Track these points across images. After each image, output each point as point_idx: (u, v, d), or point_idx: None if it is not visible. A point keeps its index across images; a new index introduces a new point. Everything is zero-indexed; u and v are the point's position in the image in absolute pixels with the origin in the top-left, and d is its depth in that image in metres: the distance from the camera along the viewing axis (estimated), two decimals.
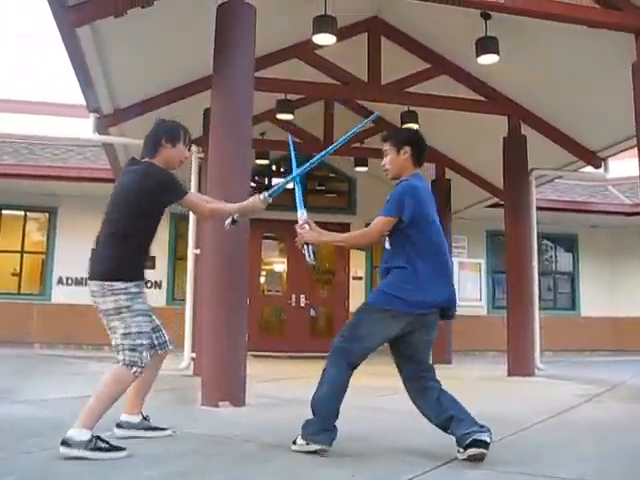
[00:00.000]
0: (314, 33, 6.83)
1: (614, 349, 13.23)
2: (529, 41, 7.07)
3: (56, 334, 11.46)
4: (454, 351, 10.58)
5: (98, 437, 3.03)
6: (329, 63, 7.99)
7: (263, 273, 12.95)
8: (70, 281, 11.83)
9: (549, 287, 13.98)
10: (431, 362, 3.41)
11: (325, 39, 6.91)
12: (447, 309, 3.31)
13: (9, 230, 12.30)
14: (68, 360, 9.37)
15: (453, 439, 3.12)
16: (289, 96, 8.78)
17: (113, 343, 3.22)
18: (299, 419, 3.26)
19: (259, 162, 11.07)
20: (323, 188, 13.53)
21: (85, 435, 2.99)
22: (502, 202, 9.28)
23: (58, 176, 11.12)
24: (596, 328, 13.44)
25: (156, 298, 11.93)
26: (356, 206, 12.96)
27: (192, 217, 7.78)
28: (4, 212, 12.31)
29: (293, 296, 12.53)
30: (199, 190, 7.56)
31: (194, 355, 7.28)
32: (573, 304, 14.18)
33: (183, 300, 8.19)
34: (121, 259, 3.23)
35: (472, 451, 3.01)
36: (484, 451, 3.01)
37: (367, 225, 3.40)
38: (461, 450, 3.06)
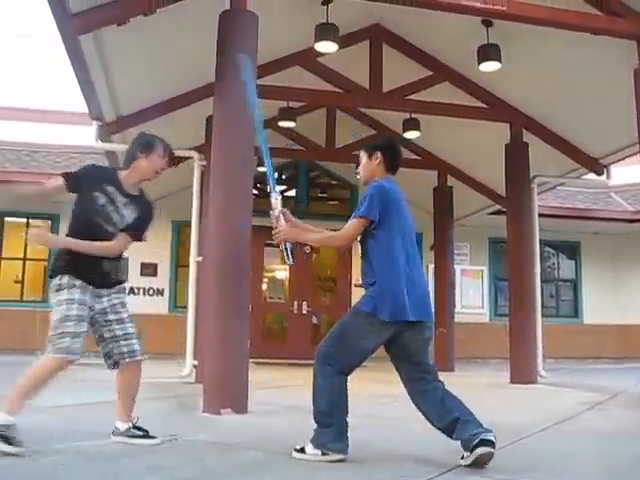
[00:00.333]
0: (316, 41, 6.87)
1: (617, 356, 13.17)
2: (531, 48, 7.09)
3: None
4: (456, 358, 10.53)
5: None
6: (331, 71, 8.02)
7: (265, 280, 12.93)
8: None
9: (551, 294, 13.93)
10: (432, 363, 3.39)
11: (327, 47, 6.95)
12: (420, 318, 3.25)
13: (12, 237, 12.30)
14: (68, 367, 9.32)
15: (455, 445, 3.10)
16: (291, 103, 8.82)
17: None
18: (301, 426, 3.26)
19: (261, 169, 11.04)
20: (325, 195, 13.56)
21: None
22: (504, 209, 9.30)
23: None
24: (599, 335, 13.38)
25: (158, 305, 11.98)
26: None
27: (194, 225, 7.78)
28: (7, 219, 12.31)
29: (295, 303, 12.51)
30: (201, 198, 7.56)
31: (196, 362, 7.26)
32: (576, 311, 14.12)
33: (185, 307, 8.17)
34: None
35: (480, 450, 2.97)
36: (492, 450, 2.99)
37: None
38: (467, 454, 3.03)
